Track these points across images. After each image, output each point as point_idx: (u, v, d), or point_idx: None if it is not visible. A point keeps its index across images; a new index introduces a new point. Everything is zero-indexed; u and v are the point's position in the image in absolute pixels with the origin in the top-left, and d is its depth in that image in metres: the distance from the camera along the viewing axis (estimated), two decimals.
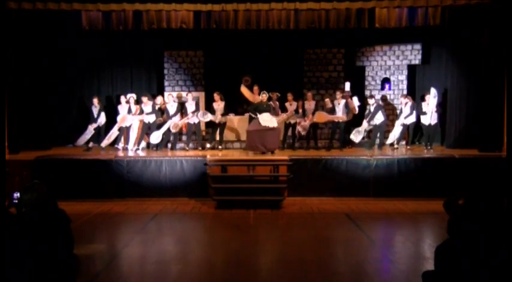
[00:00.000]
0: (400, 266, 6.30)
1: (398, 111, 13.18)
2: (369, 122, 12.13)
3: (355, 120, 13.09)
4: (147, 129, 12.34)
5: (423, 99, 12.30)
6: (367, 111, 12.92)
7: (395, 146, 12.25)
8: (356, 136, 12.20)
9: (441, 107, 12.27)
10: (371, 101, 12.29)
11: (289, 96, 12.55)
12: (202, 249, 7.42)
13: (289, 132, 12.61)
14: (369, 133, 12.68)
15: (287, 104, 12.53)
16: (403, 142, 12.80)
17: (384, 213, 9.46)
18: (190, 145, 12.63)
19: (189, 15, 12.10)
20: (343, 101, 12.20)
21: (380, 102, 12.70)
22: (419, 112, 12.22)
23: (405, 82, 14.06)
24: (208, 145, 12.48)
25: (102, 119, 12.57)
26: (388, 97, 14.26)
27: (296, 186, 10.44)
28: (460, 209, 3.35)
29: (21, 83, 12.00)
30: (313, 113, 12.18)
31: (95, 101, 12.53)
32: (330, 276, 5.97)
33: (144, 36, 13.42)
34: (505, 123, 10.78)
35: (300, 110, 12.52)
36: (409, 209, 9.71)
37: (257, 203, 9.76)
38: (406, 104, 12.18)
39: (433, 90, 12.01)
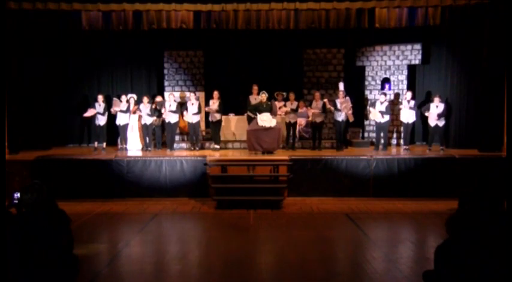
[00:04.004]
0: (400, 266, 6.30)
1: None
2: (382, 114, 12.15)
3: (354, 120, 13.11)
4: (146, 130, 12.35)
5: (431, 100, 12.20)
6: (367, 110, 12.96)
7: (407, 147, 12.18)
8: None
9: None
10: (382, 98, 12.24)
11: (291, 96, 12.58)
12: (202, 249, 7.42)
13: (290, 132, 12.59)
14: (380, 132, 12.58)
15: (288, 103, 12.54)
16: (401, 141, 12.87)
17: (384, 213, 9.46)
18: (189, 145, 12.65)
19: (189, 15, 12.11)
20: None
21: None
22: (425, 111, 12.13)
23: (405, 82, 14.05)
24: (215, 146, 12.46)
25: (103, 119, 12.50)
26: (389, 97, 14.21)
27: (296, 186, 10.45)
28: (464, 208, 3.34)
29: (21, 83, 12.02)
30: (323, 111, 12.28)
31: (100, 97, 12.39)
32: (330, 276, 5.97)
33: (144, 36, 13.43)
34: (505, 123, 10.79)
35: (300, 110, 12.51)
36: (409, 209, 9.71)
37: (257, 203, 9.76)
38: (408, 102, 12.13)
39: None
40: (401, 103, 12.48)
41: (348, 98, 12.20)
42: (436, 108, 11.83)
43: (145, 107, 12.25)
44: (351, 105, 12.16)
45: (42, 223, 3.83)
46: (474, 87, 12.10)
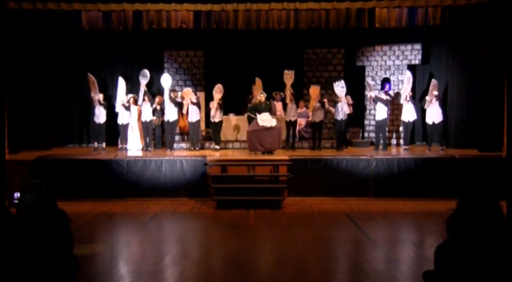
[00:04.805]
0: (400, 266, 6.31)
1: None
2: (373, 100, 12.18)
3: (353, 120, 13.11)
4: (146, 130, 12.35)
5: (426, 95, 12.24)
6: (367, 111, 12.97)
7: (407, 147, 12.14)
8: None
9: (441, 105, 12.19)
10: (384, 97, 12.24)
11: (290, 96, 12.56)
12: (202, 249, 7.42)
13: (290, 132, 12.57)
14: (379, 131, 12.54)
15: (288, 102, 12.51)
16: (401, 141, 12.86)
17: (384, 213, 9.46)
18: (189, 145, 12.65)
19: (189, 15, 12.12)
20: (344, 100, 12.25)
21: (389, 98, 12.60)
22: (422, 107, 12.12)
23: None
24: (215, 146, 12.44)
25: (103, 117, 12.47)
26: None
27: (296, 186, 10.45)
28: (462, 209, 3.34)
29: (21, 83, 12.02)
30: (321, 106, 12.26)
31: (101, 96, 12.39)
32: (330, 276, 5.97)
33: (144, 36, 13.43)
34: (505, 123, 10.79)
35: (300, 110, 12.49)
36: (409, 209, 9.71)
37: (257, 203, 9.76)
38: (408, 101, 12.13)
39: (434, 82, 11.98)
40: (400, 104, 12.46)
41: (342, 81, 12.21)
42: (433, 101, 11.82)
43: (146, 106, 12.25)
44: (344, 94, 12.15)
45: (42, 223, 3.83)
46: (474, 87, 12.09)
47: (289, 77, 12.35)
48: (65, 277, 3.93)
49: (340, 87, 12.19)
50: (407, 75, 12.22)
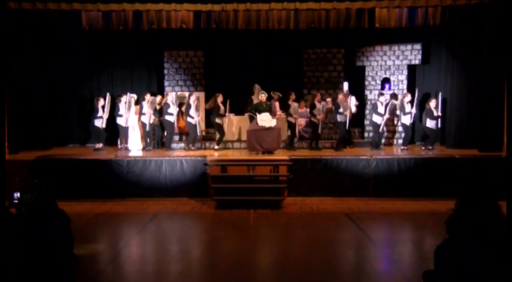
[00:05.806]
0: (400, 266, 6.31)
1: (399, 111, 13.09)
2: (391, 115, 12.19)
3: (353, 120, 13.11)
4: (146, 129, 12.34)
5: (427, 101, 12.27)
6: (367, 111, 12.95)
7: (405, 147, 12.13)
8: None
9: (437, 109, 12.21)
10: (382, 99, 12.26)
11: (292, 96, 12.53)
12: (202, 249, 7.43)
13: (290, 132, 12.56)
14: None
15: (289, 102, 12.49)
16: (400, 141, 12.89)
17: (384, 213, 9.46)
18: (189, 145, 12.63)
19: (189, 15, 12.12)
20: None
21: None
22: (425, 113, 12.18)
23: (405, 82, 14.06)
24: (215, 146, 12.42)
25: (103, 120, 12.46)
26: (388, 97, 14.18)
27: (296, 186, 10.45)
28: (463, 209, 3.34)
29: (21, 83, 12.02)
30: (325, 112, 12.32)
31: (101, 100, 12.41)
32: (330, 276, 5.97)
33: (144, 36, 13.43)
34: (505, 123, 10.79)
35: (300, 110, 12.49)
36: (409, 209, 9.71)
37: (257, 203, 9.76)
38: (408, 102, 12.14)
39: (433, 101, 12.07)
40: (401, 101, 12.46)
41: (348, 97, 12.20)
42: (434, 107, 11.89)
43: (148, 105, 12.23)
44: (349, 105, 12.16)
45: (42, 223, 3.84)
46: (474, 87, 12.09)
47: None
48: (65, 277, 3.94)
49: (345, 102, 12.21)
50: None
